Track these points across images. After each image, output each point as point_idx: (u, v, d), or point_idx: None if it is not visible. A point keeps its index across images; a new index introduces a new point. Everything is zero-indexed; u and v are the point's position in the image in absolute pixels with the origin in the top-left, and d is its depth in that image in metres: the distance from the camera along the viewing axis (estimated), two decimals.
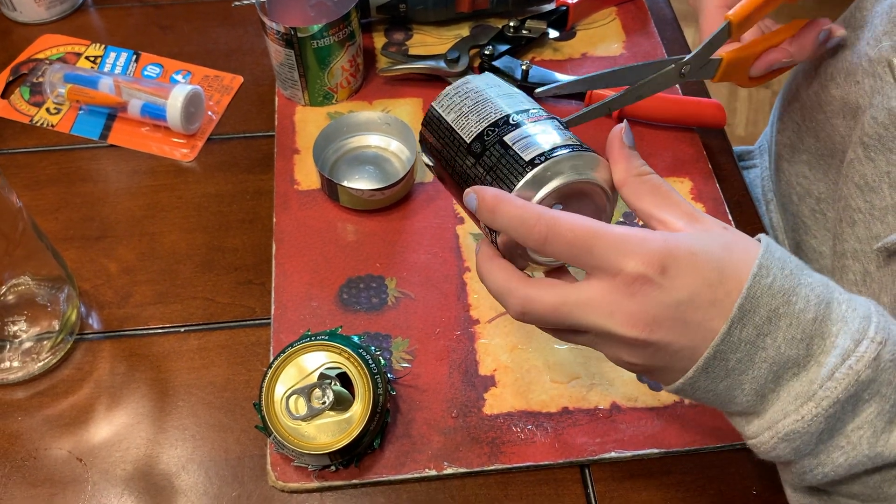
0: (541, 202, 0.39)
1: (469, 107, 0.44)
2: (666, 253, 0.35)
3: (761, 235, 0.38)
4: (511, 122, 0.42)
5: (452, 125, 0.44)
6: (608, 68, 0.43)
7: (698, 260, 0.35)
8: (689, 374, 0.37)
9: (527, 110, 0.43)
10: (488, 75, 0.47)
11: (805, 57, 0.55)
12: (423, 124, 0.47)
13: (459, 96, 0.45)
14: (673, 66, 0.45)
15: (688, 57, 0.46)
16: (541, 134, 0.41)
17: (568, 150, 0.40)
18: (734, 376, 0.36)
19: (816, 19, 0.54)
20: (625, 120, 0.40)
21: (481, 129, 0.42)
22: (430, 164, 0.47)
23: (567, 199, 0.40)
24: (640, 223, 0.42)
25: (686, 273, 0.35)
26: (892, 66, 0.49)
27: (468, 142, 0.43)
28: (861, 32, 0.54)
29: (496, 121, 0.42)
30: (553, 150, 0.40)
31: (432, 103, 0.46)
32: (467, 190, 0.41)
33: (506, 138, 0.41)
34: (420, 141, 0.47)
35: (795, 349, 0.36)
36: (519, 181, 0.39)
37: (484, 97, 0.44)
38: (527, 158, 0.40)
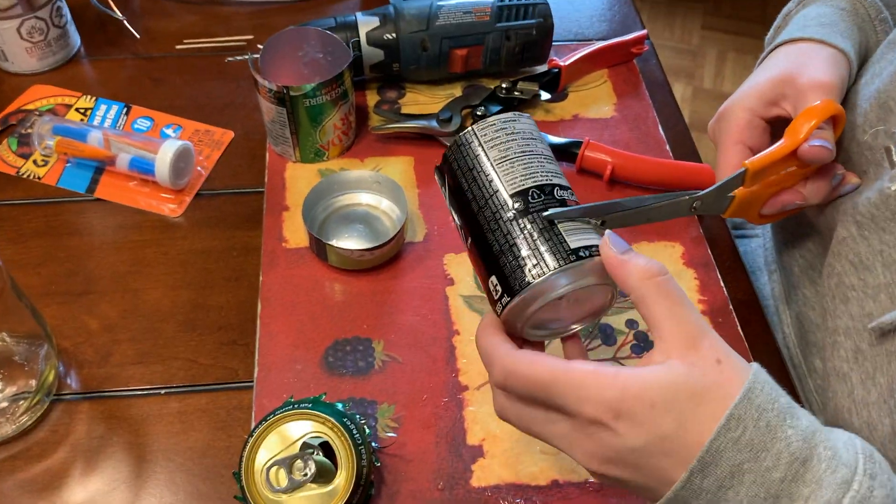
0: (548, 302, 0.41)
1: (515, 153, 0.43)
2: (620, 403, 0.36)
3: (752, 368, 0.37)
4: (556, 195, 0.42)
5: (494, 163, 0.43)
6: (622, 198, 0.44)
7: (655, 414, 0.36)
8: None
9: (567, 187, 0.43)
10: (531, 121, 0.45)
11: (818, 200, 0.54)
12: (451, 146, 0.45)
13: (506, 133, 0.43)
14: (687, 197, 0.47)
15: (701, 193, 0.48)
16: (579, 226, 0.42)
17: (587, 256, 0.40)
18: None
19: (830, 163, 0.53)
20: (606, 231, 0.41)
21: (526, 186, 0.42)
22: (442, 184, 0.46)
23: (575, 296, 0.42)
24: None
25: (640, 424, 0.36)
26: (889, 152, 0.49)
27: (510, 192, 0.42)
28: (853, 115, 0.54)
29: (543, 185, 0.42)
30: (582, 248, 0.40)
31: (474, 125, 0.44)
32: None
33: (551, 214, 0.41)
34: (444, 160, 0.46)
35: None
36: (549, 269, 0.40)
37: (531, 150, 0.43)
38: (572, 246, 0.40)
